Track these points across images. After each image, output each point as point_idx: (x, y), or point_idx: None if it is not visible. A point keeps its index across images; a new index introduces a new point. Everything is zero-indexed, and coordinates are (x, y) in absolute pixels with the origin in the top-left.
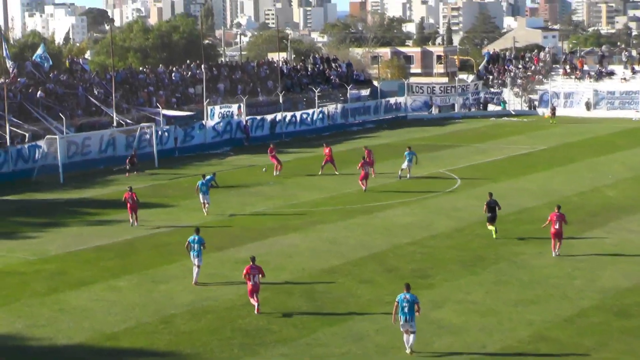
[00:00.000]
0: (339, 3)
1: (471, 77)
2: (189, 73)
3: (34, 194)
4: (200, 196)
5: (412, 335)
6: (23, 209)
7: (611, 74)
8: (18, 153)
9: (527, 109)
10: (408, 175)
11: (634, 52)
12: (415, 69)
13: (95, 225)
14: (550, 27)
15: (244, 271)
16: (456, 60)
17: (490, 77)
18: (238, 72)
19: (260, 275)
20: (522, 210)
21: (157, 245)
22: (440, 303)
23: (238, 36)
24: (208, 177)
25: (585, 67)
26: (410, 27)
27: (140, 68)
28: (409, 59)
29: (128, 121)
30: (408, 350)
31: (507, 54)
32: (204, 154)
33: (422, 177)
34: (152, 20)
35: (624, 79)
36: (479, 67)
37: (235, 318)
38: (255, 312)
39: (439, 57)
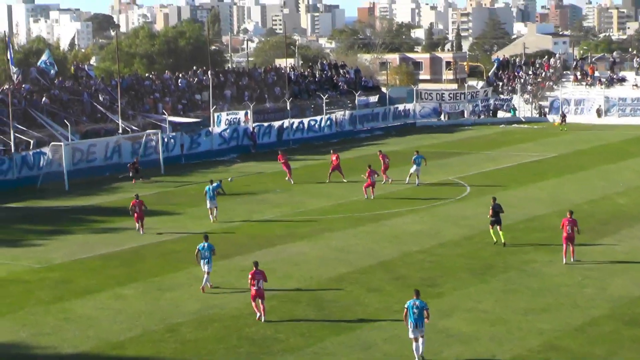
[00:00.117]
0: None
1: (481, 83)
2: (196, 79)
3: (39, 201)
4: (208, 202)
5: (421, 340)
6: (28, 217)
7: (622, 80)
8: (23, 160)
9: (537, 115)
10: (417, 182)
11: None
12: (424, 75)
13: (100, 233)
14: (560, 33)
15: (249, 276)
16: (465, 67)
17: (500, 83)
18: (245, 78)
19: (263, 281)
20: (532, 218)
21: (163, 253)
22: (449, 312)
23: (245, 42)
24: (215, 183)
25: (596, 74)
26: (419, 33)
27: (146, 74)
28: (417, 65)
29: (134, 128)
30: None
31: (517, 60)
32: (210, 161)
33: (431, 184)
34: (158, 26)
35: (636, 85)
36: (489, 74)
37: (242, 326)
38: (261, 319)
39: (448, 63)
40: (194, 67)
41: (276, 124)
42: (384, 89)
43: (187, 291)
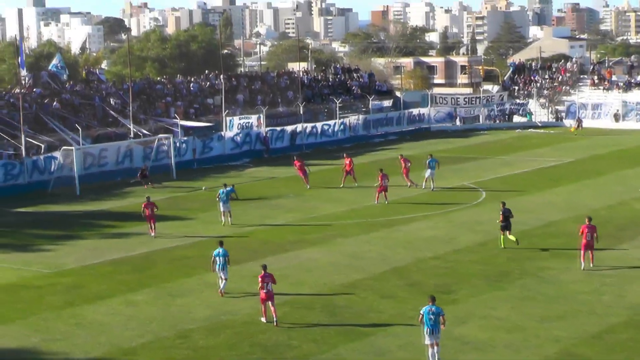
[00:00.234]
0: (360, 12)
1: (496, 87)
2: (208, 83)
3: (50, 206)
4: (221, 205)
5: (436, 348)
6: (38, 222)
7: None
8: (33, 164)
9: (553, 120)
10: (432, 186)
11: None
12: (438, 79)
13: (111, 238)
14: (577, 36)
15: (259, 279)
16: (481, 71)
17: (516, 87)
18: (257, 82)
19: (272, 283)
20: (548, 224)
21: (174, 259)
22: (464, 319)
23: (257, 46)
24: (229, 188)
25: (614, 78)
26: (433, 37)
27: (158, 78)
28: (432, 69)
29: (145, 132)
30: None
31: (533, 64)
32: (222, 166)
33: (446, 189)
34: (170, 29)
35: None
36: (504, 78)
37: (254, 333)
38: (272, 320)
39: (462, 67)
40: (206, 71)
41: (289, 128)
42: (398, 93)
43: (199, 297)
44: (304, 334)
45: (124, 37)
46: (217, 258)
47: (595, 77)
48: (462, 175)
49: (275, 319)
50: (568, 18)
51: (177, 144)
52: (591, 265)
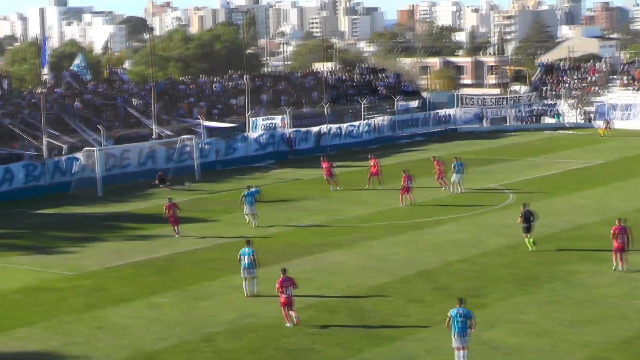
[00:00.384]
0: (386, 11)
1: (525, 88)
2: (231, 83)
3: (71, 207)
4: (245, 207)
5: (464, 352)
6: (60, 223)
7: None
8: (55, 165)
9: (583, 121)
10: (460, 189)
11: None
12: (466, 79)
13: (134, 240)
14: (607, 36)
15: (277, 285)
16: (509, 71)
17: (545, 88)
18: (282, 82)
19: (292, 287)
20: (577, 227)
21: (198, 261)
22: (493, 323)
23: (282, 45)
24: (253, 189)
25: None
26: (461, 36)
27: (181, 78)
28: (459, 69)
29: (168, 133)
30: None
31: (563, 64)
32: (246, 167)
33: (473, 191)
34: (193, 29)
35: None
36: (533, 78)
37: (278, 337)
38: (295, 323)
39: (491, 67)
40: (230, 71)
41: (314, 129)
42: (424, 94)
43: (223, 300)
44: (328, 338)
45: (146, 36)
46: (243, 257)
47: (626, 78)
48: (490, 177)
49: (295, 322)
50: (598, 17)
51: (201, 145)
52: (621, 268)
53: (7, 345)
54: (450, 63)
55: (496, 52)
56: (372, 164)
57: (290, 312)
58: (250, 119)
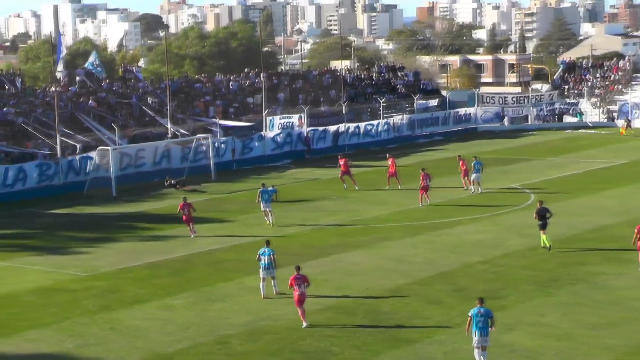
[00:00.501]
0: (405, 8)
1: (546, 86)
2: (248, 82)
3: (85, 207)
4: (262, 204)
5: (484, 352)
6: (74, 223)
7: None
8: (69, 165)
9: (605, 120)
10: (480, 189)
11: None
12: (486, 78)
13: (148, 241)
14: (631, 33)
15: (289, 282)
16: (530, 69)
17: (566, 86)
18: (299, 80)
19: (306, 285)
20: (600, 228)
21: (213, 262)
22: (513, 325)
23: (299, 43)
24: (270, 188)
25: None
26: (481, 34)
27: (197, 76)
28: (479, 67)
29: (183, 132)
30: None
31: (585, 62)
32: (262, 167)
33: (493, 192)
34: (209, 26)
35: None
36: (554, 77)
37: (295, 339)
38: (303, 325)
39: (511, 65)
40: (246, 69)
41: (331, 128)
42: (444, 92)
43: (238, 302)
44: (346, 340)
45: (161, 34)
46: (263, 257)
47: None
48: (510, 177)
49: (304, 321)
50: (621, 14)
51: (216, 144)
52: None
53: (20, 347)
54: (470, 61)
55: (517, 50)
56: (389, 163)
57: (300, 309)
58: (267, 117)
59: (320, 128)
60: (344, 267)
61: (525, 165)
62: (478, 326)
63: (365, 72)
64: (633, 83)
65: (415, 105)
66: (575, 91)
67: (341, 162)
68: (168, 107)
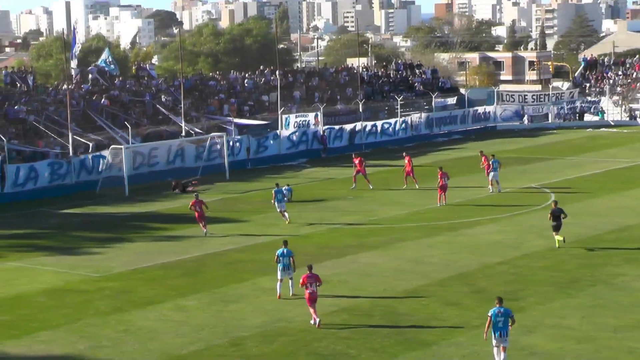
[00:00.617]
0: (423, 5)
1: (566, 84)
2: (263, 79)
3: (98, 207)
4: (277, 205)
5: (503, 355)
6: (86, 223)
7: None
8: (81, 164)
9: (627, 119)
10: (499, 188)
11: None
12: (505, 75)
13: (162, 241)
14: None
15: (301, 280)
16: (550, 67)
17: (588, 84)
18: (315, 78)
19: (318, 284)
20: (622, 229)
21: (227, 263)
22: (532, 328)
23: (315, 40)
24: (285, 187)
25: None
26: (500, 31)
27: (211, 74)
28: (498, 64)
29: (197, 130)
30: None
31: (606, 59)
32: (278, 166)
33: (512, 191)
34: (224, 23)
35: None
36: (575, 74)
37: (310, 341)
38: (316, 325)
39: (531, 62)
40: (261, 67)
41: (348, 127)
42: (462, 90)
43: (252, 303)
44: (362, 342)
45: (175, 31)
46: (281, 258)
47: None
48: (530, 176)
49: (317, 321)
50: None
51: (231, 143)
52: None
53: (32, 349)
54: (489, 58)
55: (537, 47)
56: (406, 161)
57: (312, 308)
58: (282, 116)
59: (337, 127)
60: (360, 268)
61: (545, 165)
62: (498, 326)
63: (382, 70)
64: None
65: (433, 103)
66: (597, 89)
67: (356, 161)
68: (182, 105)
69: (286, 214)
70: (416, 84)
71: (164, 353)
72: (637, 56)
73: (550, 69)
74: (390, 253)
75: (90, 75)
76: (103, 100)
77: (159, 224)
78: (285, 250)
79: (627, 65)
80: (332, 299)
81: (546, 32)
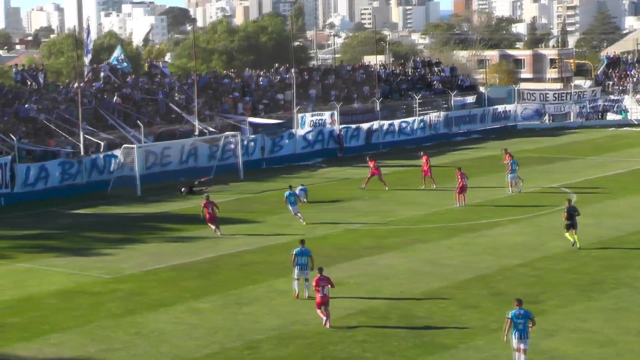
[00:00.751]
0: (442, 1)
1: (588, 82)
2: (278, 77)
3: (109, 207)
4: (290, 208)
5: (523, 357)
6: (97, 224)
7: None
8: (92, 163)
9: None
10: (519, 188)
11: None
12: (525, 73)
13: (174, 242)
14: None
15: (314, 283)
16: (572, 64)
17: (610, 83)
18: (331, 76)
19: (329, 286)
20: None
21: (241, 264)
22: (553, 331)
23: (331, 37)
24: (300, 187)
25: None
26: (520, 28)
27: (225, 72)
28: (519, 62)
29: (211, 129)
30: None
31: (629, 57)
32: (293, 166)
33: (533, 192)
34: (238, 20)
35: None
36: (597, 72)
37: (326, 344)
38: (327, 325)
39: (552, 60)
40: (276, 65)
41: (365, 126)
42: (482, 89)
43: (267, 305)
44: (379, 346)
45: (189, 28)
46: (298, 257)
47: None
48: (551, 176)
49: (328, 323)
50: None
51: (245, 142)
52: None
53: (42, 352)
54: (509, 56)
55: (558, 45)
56: (423, 160)
57: (325, 311)
58: (298, 114)
59: (353, 126)
60: (377, 270)
61: (567, 165)
62: (517, 328)
63: (399, 68)
64: None
65: (451, 102)
66: (619, 87)
67: (371, 164)
68: (195, 104)
69: (299, 214)
70: (434, 82)
71: (177, 356)
72: None
73: (572, 67)
74: (408, 254)
75: (102, 73)
76: (115, 98)
77: (171, 224)
78: (303, 249)
79: None
80: (349, 301)
81: (567, 29)
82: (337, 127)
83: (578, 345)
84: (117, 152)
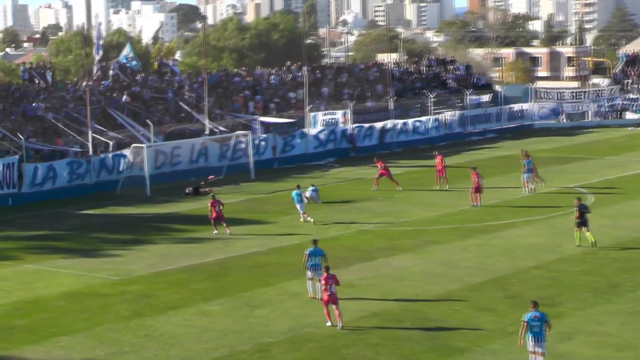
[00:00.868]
0: None
1: (606, 81)
2: (290, 76)
3: (118, 208)
4: (298, 206)
5: (541, 358)
6: (106, 225)
7: None
8: (101, 163)
9: None
10: (532, 185)
11: None
12: (542, 72)
13: (184, 243)
14: None
15: (323, 282)
16: (589, 62)
17: (628, 81)
18: (344, 74)
19: (335, 284)
20: None
21: (253, 266)
22: (569, 335)
23: (344, 35)
24: (312, 187)
25: None
26: (536, 25)
27: (236, 70)
28: (535, 60)
29: (222, 129)
30: None
31: None
32: (305, 166)
33: (549, 192)
34: (249, 17)
35: None
36: (615, 70)
37: (339, 347)
38: (339, 325)
39: (569, 58)
40: (288, 63)
41: (378, 125)
42: (497, 87)
43: (279, 308)
44: (393, 349)
45: (199, 25)
46: (311, 257)
47: None
48: (568, 177)
49: (340, 324)
50: None
51: (256, 142)
52: None
53: (50, 354)
54: (525, 54)
55: (575, 42)
56: (438, 160)
57: (335, 310)
58: (310, 113)
59: (366, 125)
60: (390, 272)
61: (584, 165)
62: (533, 331)
63: (413, 66)
64: None
65: (466, 100)
66: (638, 86)
67: (379, 164)
68: (205, 103)
69: (305, 214)
70: (449, 81)
71: (186, 359)
72: None
73: (589, 65)
74: (421, 256)
75: (111, 71)
76: (124, 97)
77: (181, 225)
78: (316, 249)
79: None
80: (362, 303)
81: (585, 26)
82: (350, 127)
83: (596, 348)
84: (126, 152)
